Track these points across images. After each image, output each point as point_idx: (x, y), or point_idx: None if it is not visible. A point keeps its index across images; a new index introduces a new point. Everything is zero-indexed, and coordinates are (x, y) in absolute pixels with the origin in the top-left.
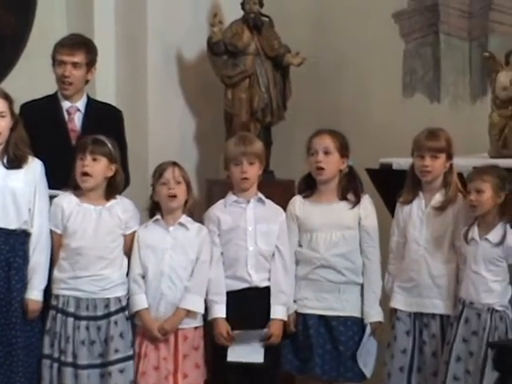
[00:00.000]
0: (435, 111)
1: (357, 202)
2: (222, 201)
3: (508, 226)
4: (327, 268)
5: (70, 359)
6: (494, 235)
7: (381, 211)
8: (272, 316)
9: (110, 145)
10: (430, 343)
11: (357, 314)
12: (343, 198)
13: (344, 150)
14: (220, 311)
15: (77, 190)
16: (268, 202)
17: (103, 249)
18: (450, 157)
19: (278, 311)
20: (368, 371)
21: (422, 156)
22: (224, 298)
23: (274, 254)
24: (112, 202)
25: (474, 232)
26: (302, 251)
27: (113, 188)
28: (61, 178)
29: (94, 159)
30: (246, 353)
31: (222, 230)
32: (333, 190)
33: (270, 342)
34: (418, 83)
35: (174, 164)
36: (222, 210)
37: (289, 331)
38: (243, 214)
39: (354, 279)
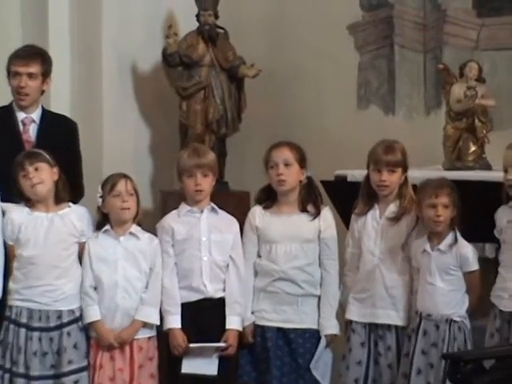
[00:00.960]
0: (390, 123)
1: (317, 213)
2: (175, 211)
3: (458, 235)
4: (286, 281)
5: (21, 370)
6: (445, 244)
7: (337, 223)
8: (227, 326)
9: (42, 152)
10: (386, 355)
11: (315, 327)
12: (303, 209)
13: (303, 162)
14: (175, 322)
15: (28, 202)
16: (221, 212)
17: (55, 257)
18: (405, 169)
19: (234, 322)
20: (325, 381)
21: (379, 170)
22: (179, 309)
23: (228, 265)
24: (66, 209)
25: (426, 244)
26: (260, 263)
27: (60, 192)
28: (14, 188)
29: (36, 168)
30: (201, 365)
31: (176, 240)
32: (293, 201)
33: (226, 353)
34: (372, 95)
35: (125, 176)
36: (175, 220)
37: (246, 342)
38: (197, 224)
39: (313, 291)
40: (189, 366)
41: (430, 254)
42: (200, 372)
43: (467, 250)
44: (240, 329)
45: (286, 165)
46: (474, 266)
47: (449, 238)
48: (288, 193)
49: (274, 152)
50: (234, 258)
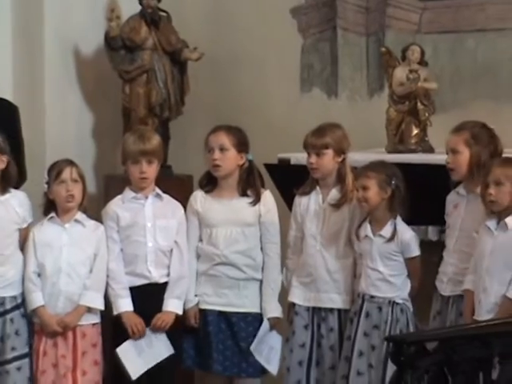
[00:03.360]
0: (333, 106)
1: (257, 197)
2: (119, 196)
3: (399, 221)
4: (227, 265)
5: None
6: (387, 231)
7: (279, 206)
8: (163, 309)
9: None
10: (328, 337)
11: (257, 310)
12: (243, 193)
13: (241, 146)
14: (128, 305)
15: None
16: (166, 197)
17: None
18: (339, 152)
19: (170, 304)
20: (273, 368)
21: (308, 153)
22: (128, 293)
23: (172, 249)
24: (6, 195)
25: (367, 229)
26: (202, 247)
27: (7, 180)
28: None
29: None
30: (151, 355)
31: (121, 226)
32: (233, 185)
33: (158, 326)
34: (315, 78)
35: (71, 163)
36: (120, 206)
37: (190, 326)
38: (142, 210)
39: (254, 275)
40: (138, 367)
41: (372, 240)
42: (154, 361)
43: (409, 235)
44: (177, 311)
45: (222, 150)
46: (416, 251)
47: (389, 224)
48: (227, 177)
49: (211, 136)
50: (179, 242)
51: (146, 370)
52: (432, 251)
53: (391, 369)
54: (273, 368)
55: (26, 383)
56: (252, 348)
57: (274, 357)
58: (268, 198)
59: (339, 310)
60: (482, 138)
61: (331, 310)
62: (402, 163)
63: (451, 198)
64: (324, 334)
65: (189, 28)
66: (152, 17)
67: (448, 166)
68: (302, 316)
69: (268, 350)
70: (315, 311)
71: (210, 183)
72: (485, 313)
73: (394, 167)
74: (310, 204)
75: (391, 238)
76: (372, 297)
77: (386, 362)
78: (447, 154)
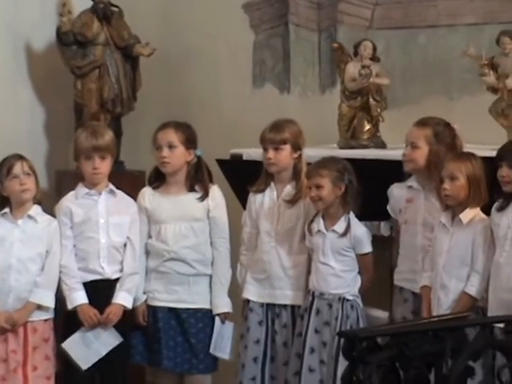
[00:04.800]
0: (285, 102)
1: (205, 192)
2: (73, 192)
3: (352, 216)
4: (177, 260)
5: None
6: (340, 226)
7: (232, 202)
8: (113, 301)
9: None
10: (281, 333)
11: (207, 306)
12: (191, 189)
13: (190, 143)
14: (82, 298)
15: None
16: (119, 193)
17: None
18: (296, 148)
19: (120, 297)
20: (226, 354)
21: (265, 148)
22: (82, 286)
23: (125, 245)
24: None
25: (320, 224)
26: (151, 243)
27: None
28: None
29: None
30: (102, 344)
31: (74, 222)
32: (181, 181)
33: (107, 319)
34: (267, 74)
35: (21, 157)
36: (73, 202)
37: (138, 323)
38: (95, 206)
39: (204, 271)
40: (87, 359)
41: (325, 235)
42: (104, 352)
43: (361, 232)
44: (127, 304)
45: (171, 147)
46: (368, 248)
47: (343, 220)
48: (175, 173)
49: (159, 134)
50: (131, 238)
51: (96, 359)
52: (384, 247)
53: (343, 365)
54: (226, 354)
55: None
56: (211, 350)
57: (227, 344)
58: (216, 193)
59: (293, 307)
60: (444, 137)
61: (285, 306)
62: (354, 159)
63: (401, 193)
64: (278, 330)
65: (141, 23)
66: (104, 12)
67: (404, 159)
68: (257, 312)
69: (221, 342)
70: (269, 307)
71: (159, 179)
72: (445, 310)
73: (345, 162)
74: (264, 201)
75: (344, 234)
76: (322, 294)
77: (338, 358)
78: (406, 145)
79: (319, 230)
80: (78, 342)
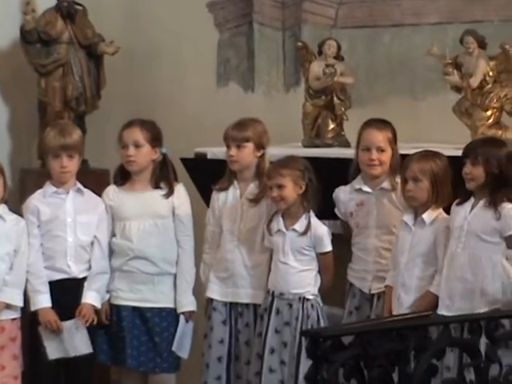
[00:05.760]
0: (249, 100)
1: (170, 190)
2: (40, 191)
3: (312, 215)
4: (141, 259)
5: None
6: (301, 225)
7: (196, 201)
8: (82, 301)
9: None
10: (244, 332)
11: (171, 305)
12: (156, 186)
13: (155, 141)
14: (46, 301)
15: None
16: (87, 192)
17: None
18: (259, 147)
19: (89, 296)
20: (185, 353)
21: (228, 146)
22: (47, 288)
23: (92, 244)
24: None
25: (280, 223)
26: (115, 241)
27: None
28: None
29: None
30: (71, 346)
31: (42, 220)
32: (146, 178)
33: (82, 321)
34: (232, 73)
35: None
36: (41, 201)
37: (102, 322)
38: (62, 205)
39: (169, 269)
40: (56, 351)
41: (285, 234)
42: (73, 354)
43: (322, 231)
44: (96, 304)
45: (137, 146)
46: (328, 247)
47: (303, 218)
48: (141, 171)
49: (125, 132)
50: (99, 237)
51: (62, 357)
52: (345, 245)
53: (304, 364)
54: (185, 353)
55: None
56: (174, 348)
57: (186, 343)
58: (181, 191)
59: (255, 306)
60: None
61: (247, 305)
62: (318, 157)
63: (350, 196)
64: (240, 329)
65: (105, 22)
66: (68, 10)
67: (374, 163)
68: (220, 311)
69: (182, 340)
70: (232, 306)
71: (124, 177)
72: (405, 309)
73: (304, 160)
74: (227, 199)
75: (305, 232)
76: (282, 293)
77: (299, 358)
78: (369, 149)
79: (279, 230)
80: (52, 333)
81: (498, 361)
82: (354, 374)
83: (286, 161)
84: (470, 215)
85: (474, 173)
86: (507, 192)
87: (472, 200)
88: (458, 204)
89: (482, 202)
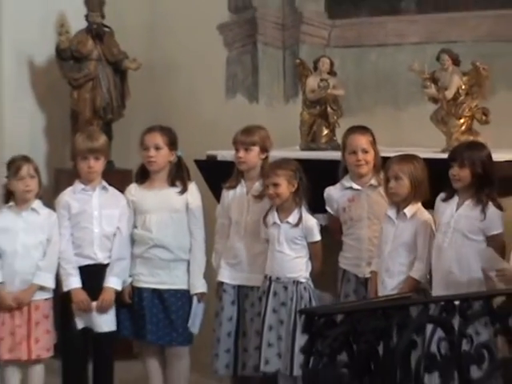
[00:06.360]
0: (254, 110)
1: (184, 188)
2: (71, 188)
3: (304, 209)
4: (159, 247)
5: None
6: (293, 218)
7: (208, 197)
8: (104, 285)
9: None
10: (249, 311)
11: (185, 287)
12: (172, 184)
13: (172, 144)
14: (76, 282)
15: None
16: (111, 189)
17: None
18: (264, 150)
19: (110, 281)
20: (195, 329)
21: (237, 149)
22: (78, 272)
23: (115, 234)
24: None
25: (275, 217)
26: (137, 232)
27: None
28: None
29: None
30: (97, 322)
31: (72, 214)
32: (163, 177)
33: (102, 306)
34: (239, 86)
35: (27, 160)
36: (71, 197)
37: (125, 302)
38: (90, 200)
39: (182, 256)
40: (85, 324)
41: (280, 226)
42: (99, 330)
43: (312, 223)
44: (116, 287)
45: (157, 148)
46: (317, 237)
47: (296, 212)
48: (159, 171)
49: (147, 136)
50: (120, 228)
51: (88, 327)
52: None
53: (300, 340)
54: (195, 329)
55: None
56: (189, 325)
57: (197, 321)
58: (194, 189)
59: (259, 288)
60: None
61: (252, 287)
62: (313, 159)
63: (341, 193)
64: (247, 309)
65: (129, 41)
66: (97, 31)
67: (361, 163)
68: (230, 293)
69: (194, 317)
70: (240, 289)
71: (144, 176)
72: (389, 291)
73: (296, 162)
74: (235, 196)
75: (297, 224)
76: (278, 278)
77: (294, 334)
78: (354, 152)
79: (274, 222)
80: (86, 317)
81: (469, 336)
82: (344, 347)
83: (280, 162)
84: (457, 213)
85: (461, 174)
86: (490, 192)
87: (457, 198)
88: (443, 200)
89: (467, 202)
